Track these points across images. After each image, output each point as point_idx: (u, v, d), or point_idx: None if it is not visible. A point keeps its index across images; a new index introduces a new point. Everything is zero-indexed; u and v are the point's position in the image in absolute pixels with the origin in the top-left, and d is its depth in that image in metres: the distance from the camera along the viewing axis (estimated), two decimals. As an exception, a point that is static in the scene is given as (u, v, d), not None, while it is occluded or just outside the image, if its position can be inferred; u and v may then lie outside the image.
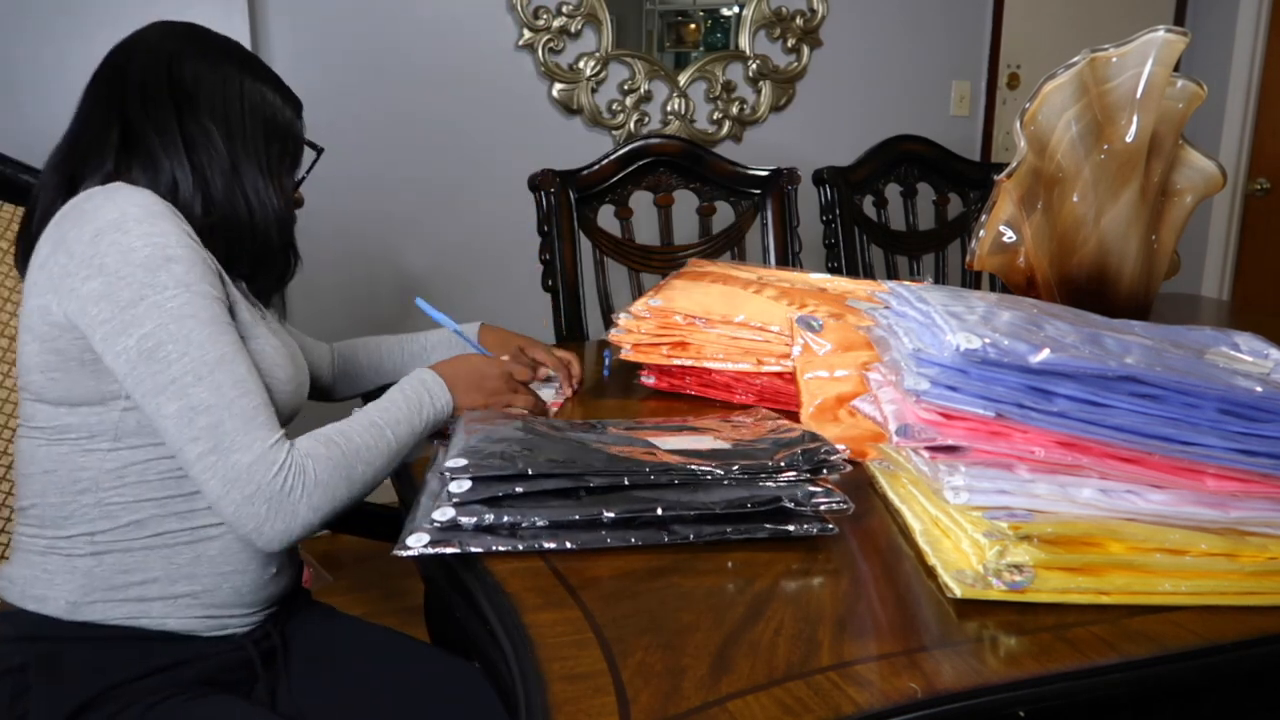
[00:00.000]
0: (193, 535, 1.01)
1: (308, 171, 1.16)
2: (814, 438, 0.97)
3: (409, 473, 1.08)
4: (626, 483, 0.86)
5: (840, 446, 0.94)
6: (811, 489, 0.88)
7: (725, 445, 0.97)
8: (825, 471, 0.91)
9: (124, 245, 0.91)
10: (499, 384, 1.15)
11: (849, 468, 0.93)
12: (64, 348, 0.95)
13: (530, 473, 0.85)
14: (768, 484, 0.88)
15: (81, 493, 0.99)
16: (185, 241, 0.95)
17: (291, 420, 1.11)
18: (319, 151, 1.16)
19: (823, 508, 0.87)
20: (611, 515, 0.84)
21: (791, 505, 0.86)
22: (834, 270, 2.07)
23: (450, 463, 0.87)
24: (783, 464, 0.89)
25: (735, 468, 0.88)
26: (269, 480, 0.92)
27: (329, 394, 1.38)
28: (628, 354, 1.35)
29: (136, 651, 0.99)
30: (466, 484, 0.85)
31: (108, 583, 0.99)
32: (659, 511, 0.85)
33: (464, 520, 0.83)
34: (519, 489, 0.85)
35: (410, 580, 2.33)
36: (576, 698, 0.65)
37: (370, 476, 1.00)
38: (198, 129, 1.01)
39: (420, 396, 1.07)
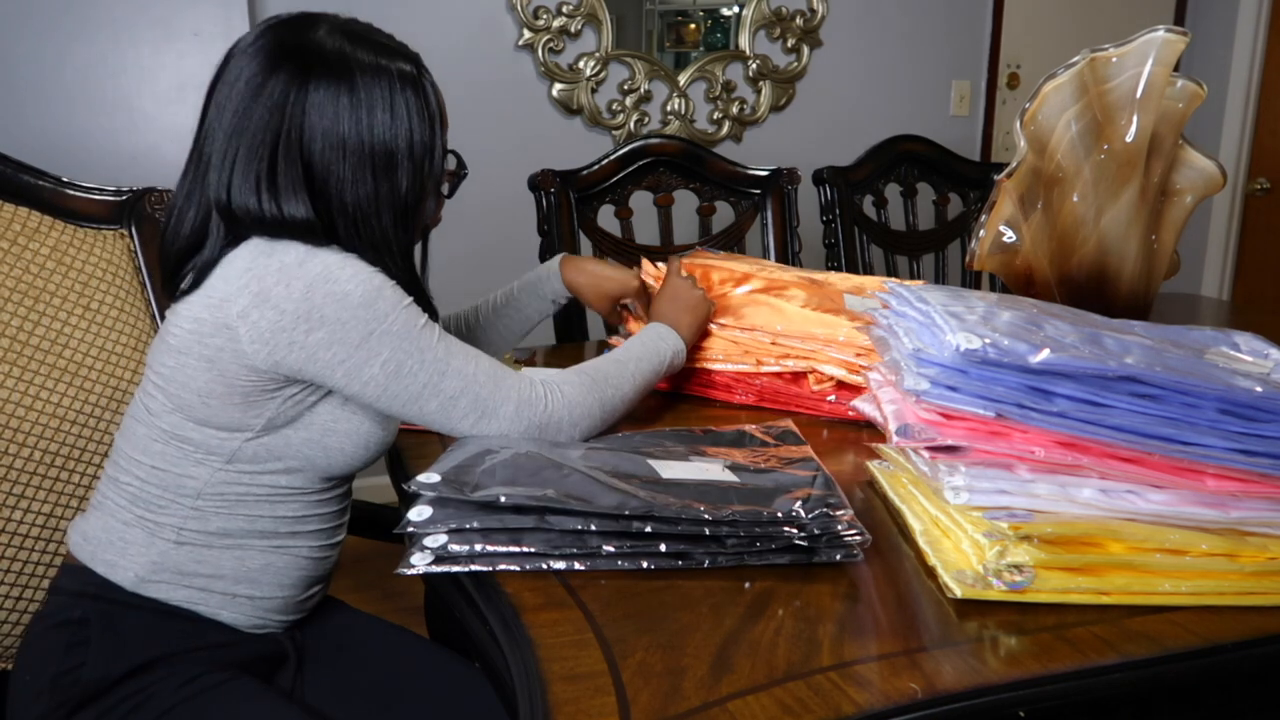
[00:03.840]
0: (268, 548, 1.04)
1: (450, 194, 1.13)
2: (826, 483, 0.91)
3: (407, 474, 1.08)
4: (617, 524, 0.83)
5: (845, 504, 0.86)
6: (830, 517, 0.84)
7: (732, 478, 0.93)
8: (826, 538, 0.84)
9: (339, 293, 0.94)
10: (696, 296, 1.27)
11: (856, 532, 0.84)
12: (242, 384, 0.97)
13: (502, 500, 0.83)
14: (775, 529, 0.84)
15: (183, 495, 1.01)
16: (377, 270, 0.98)
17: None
18: (463, 175, 1.14)
19: (845, 538, 0.84)
20: (611, 550, 0.83)
21: (805, 543, 0.83)
22: (834, 270, 2.07)
23: (422, 476, 0.85)
24: (779, 515, 0.84)
25: (728, 514, 0.83)
26: (536, 413, 1.01)
27: None
28: (628, 354, 1.35)
29: (190, 629, 1.02)
30: (427, 511, 0.83)
31: (179, 568, 1.02)
32: (663, 548, 0.83)
33: (456, 548, 0.82)
34: (475, 524, 0.82)
35: (410, 580, 2.33)
36: (576, 698, 0.65)
37: (618, 401, 1.09)
38: (348, 178, 0.99)
39: (658, 344, 1.18)
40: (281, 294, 0.94)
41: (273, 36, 0.98)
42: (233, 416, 0.99)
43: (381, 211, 1.01)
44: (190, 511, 1.01)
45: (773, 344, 1.27)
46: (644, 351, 1.15)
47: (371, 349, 0.96)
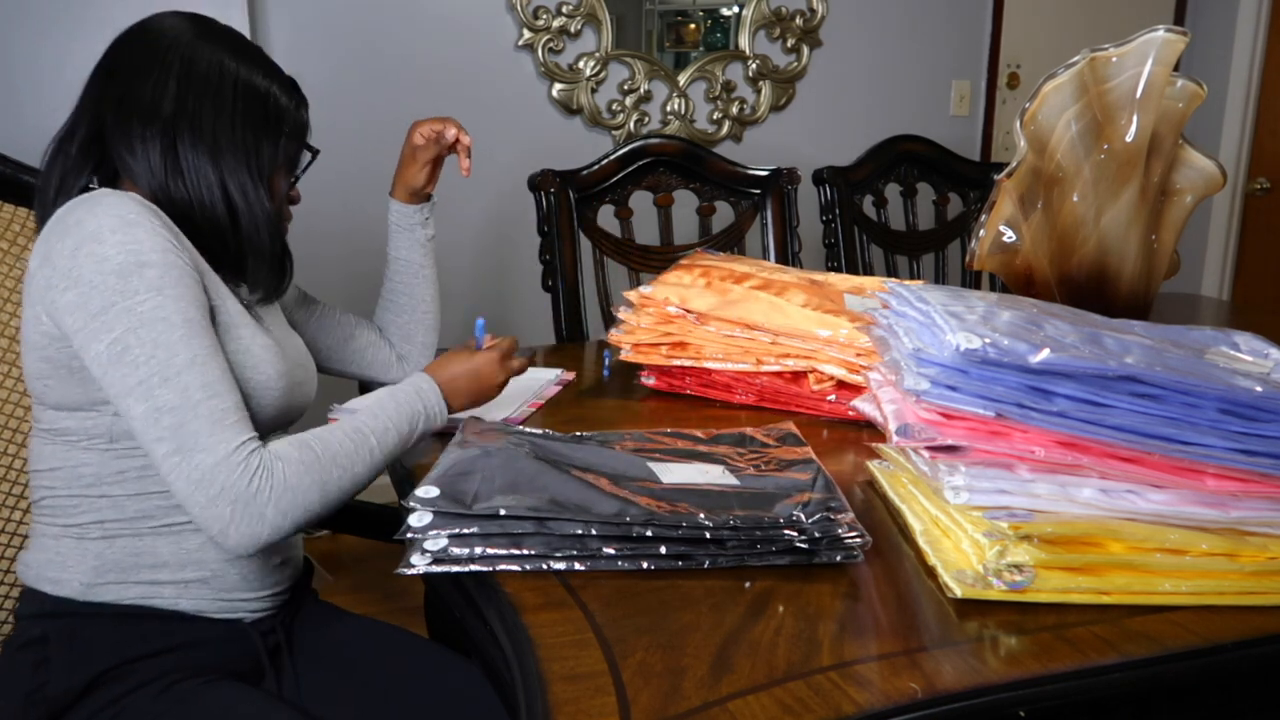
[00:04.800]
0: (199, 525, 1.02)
1: (303, 171, 1.15)
2: (827, 486, 0.92)
3: (410, 476, 1.08)
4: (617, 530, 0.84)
5: (845, 507, 0.88)
6: (830, 520, 0.84)
7: (733, 481, 0.94)
8: (826, 541, 0.84)
9: (99, 255, 0.91)
10: (496, 379, 1.15)
11: (856, 534, 0.84)
12: (53, 355, 0.96)
13: (502, 514, 0.83)
14: (776, 533, 0.84)
15: (87, 487, 1.00)
16: (162, 246, 0.94)
17: (296, 419, 1.11)
18: (314, 154, 1.15)
19: (845, 540, 0.84)
20: (611, 552, 0.83)
21: (806, 545, 0.84)
22: (834, 270, 2.07)
23: (420, 491, 0.85)
24: (780, 519, 0.84)
25: (729, 521, 0.84)
26: (233, 481, 0.90)
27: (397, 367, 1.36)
28: (627, 355, 1.35)
29: (152, 629, 1.01)
30: (428, 517, 0.83)
31: (119, 564, 1.00)
32: (663, 550, 0.83)
33: (456, 550, 0.82)
34: (475, 529, 0.83)
35: (410, 580, 2.33)
36: (577, 698, 0.65)
37: (347, 484, 0.98)
38: (185, 123, 1.00)
39: (414, 406, 1.05)
40: (58, 250, 0.93)
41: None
42: (76, 394, 0.97)
43: (235, 151, 1.01)
44: (103, 502, 1.00)
45: (773, 344, 1.27)
46: (394, 419, 1.03)
47: (106, 323, 0.90)
